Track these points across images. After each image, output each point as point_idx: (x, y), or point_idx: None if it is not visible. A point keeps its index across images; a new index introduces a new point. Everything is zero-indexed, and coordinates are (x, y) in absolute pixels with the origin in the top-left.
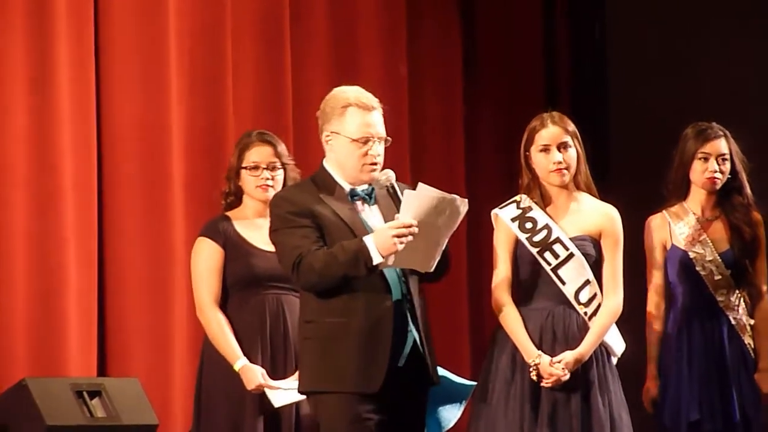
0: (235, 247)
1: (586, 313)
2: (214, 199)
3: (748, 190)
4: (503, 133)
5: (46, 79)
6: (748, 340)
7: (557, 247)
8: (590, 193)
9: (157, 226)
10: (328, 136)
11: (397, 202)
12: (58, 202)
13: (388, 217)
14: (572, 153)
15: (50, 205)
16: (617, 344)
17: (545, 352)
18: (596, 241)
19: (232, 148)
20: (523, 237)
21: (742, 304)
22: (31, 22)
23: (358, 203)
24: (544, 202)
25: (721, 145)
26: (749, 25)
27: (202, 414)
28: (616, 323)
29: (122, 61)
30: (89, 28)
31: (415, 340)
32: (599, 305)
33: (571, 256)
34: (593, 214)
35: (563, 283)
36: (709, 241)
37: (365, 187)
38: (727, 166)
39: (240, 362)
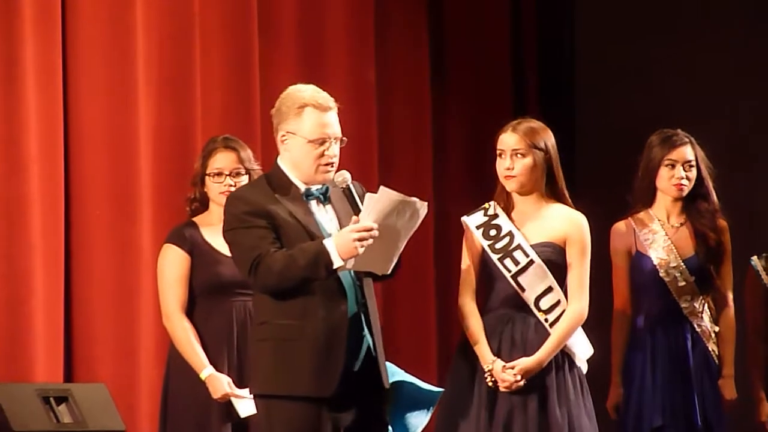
0: (201, 254)
1: (547, 320)
2: (181, 205)
3: (714, 197)
4: (471, 138)
5: (12, 83)
6: (712, 346)
7: (517, 254)
8: (562, 202)
9: (125, 232)
10: (283, 135)
11: (353, 203)
12: (24, 207)
13: (342, 218)
14: (526, 162)
15: (16, 211)
16: (583, 350)
17: (503, 359)
18: (561, 248)
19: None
20: (485, 244)
21: (707, 310)
22: None
23: (313, 203)
24: (510, 208)
25: (687, 151)
26: (713, 35)
27: (168, 420)
28: (584, 329)
29: (90, 65)
30: (57, 32)
31: (368, 345)
32: (563, 312)
33: (531, 263)
34: (558, 221)
35: (522, 289)
36: (673, 248)
37: (320, 187)
38: (694, 173)
39: (206, 371)
